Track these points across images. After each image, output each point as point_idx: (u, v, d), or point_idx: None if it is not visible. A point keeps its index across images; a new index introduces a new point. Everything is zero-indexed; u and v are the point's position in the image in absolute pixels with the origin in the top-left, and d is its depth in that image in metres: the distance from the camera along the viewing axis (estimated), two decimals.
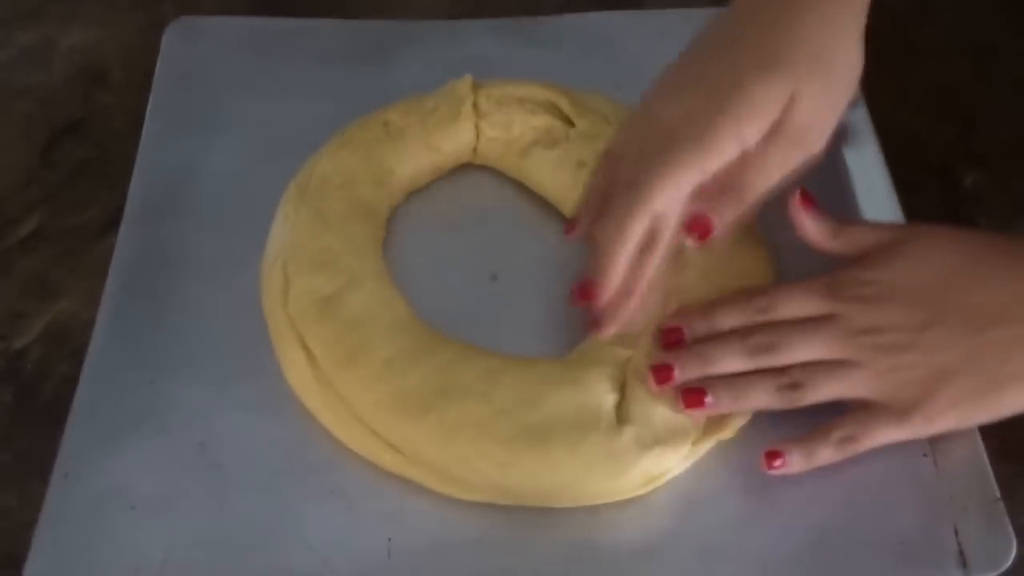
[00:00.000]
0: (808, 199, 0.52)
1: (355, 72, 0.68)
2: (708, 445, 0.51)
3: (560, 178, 0.61)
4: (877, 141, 0.64)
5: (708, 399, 0.50)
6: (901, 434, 0.50)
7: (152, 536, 0.49)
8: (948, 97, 0.69)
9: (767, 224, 0.58)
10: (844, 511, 0.50)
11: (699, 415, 0.51)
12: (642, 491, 0.50)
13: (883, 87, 0.62)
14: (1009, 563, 0.48)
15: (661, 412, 0.50)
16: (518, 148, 0.62)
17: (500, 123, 0.62)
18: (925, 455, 0.52)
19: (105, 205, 0.63)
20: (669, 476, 0.51)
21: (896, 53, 0.72)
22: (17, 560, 0.50)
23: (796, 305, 0.51)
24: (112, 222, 0.61)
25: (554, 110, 0.62)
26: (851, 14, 0.50)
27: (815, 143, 0.49)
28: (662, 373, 0.50)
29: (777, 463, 0.49)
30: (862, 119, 0.65)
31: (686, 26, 0.70)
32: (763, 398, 0.50)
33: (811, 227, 0.53)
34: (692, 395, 0.50)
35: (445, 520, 0.50)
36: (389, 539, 0.49)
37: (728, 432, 0.51)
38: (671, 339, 0.51)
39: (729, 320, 0.51)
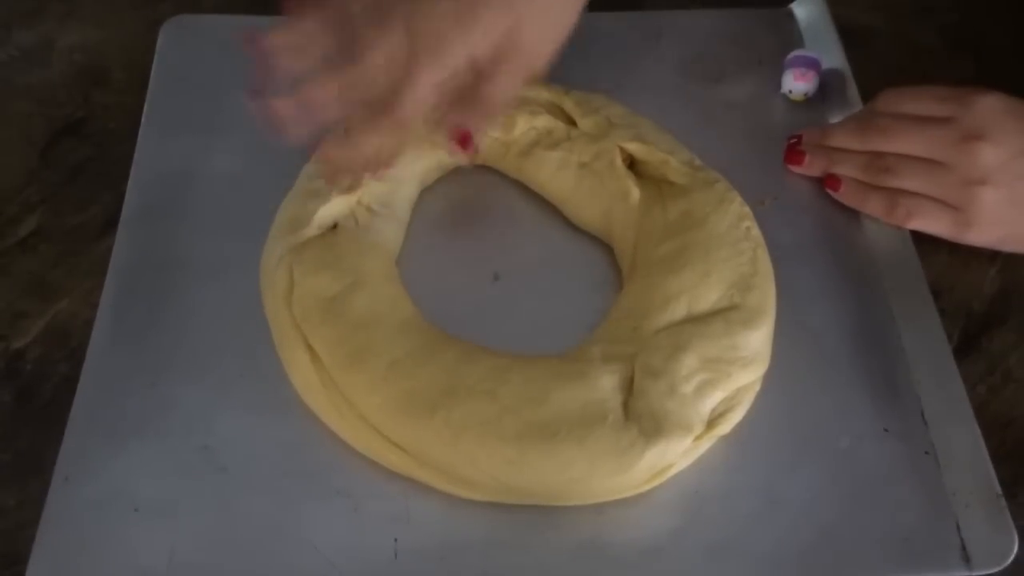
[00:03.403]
0: (792, 158, 0.63)
1: None
2: (710, 441, 0.52)
3: (562, 179, 0.61)
4: None
5: (806, 160, 0.62)
6: (952, 232, 0.58)
7: (156, 539, 0.49)
8: None
9: (767, 223, 0.58)
10: (848, 508, 0.51)
11: (798, 169, 0.63)
12: (646, 487, 0.50)
13: (883, 87, 0.62)
14: (1012, 557, 0.49)
15: (666, 406, 0.50)
16: (519, 149, 0.62)
17: (501, 124, 0.61)
18: (927, 452, 0.52)
19: (105, 205, 0.63)
20: (673, 472, 0.51)
21: (896, 53, 0.72)
22: (17, 560, 0.50)
23: (920, 103, 0.59)
24: (112, 222, 0.61)
25: (555, 111, 0.63)
26: None
27: (537, 60, 0.55)
28: (794, 148, 0.64)
29: (832, 187, 0.61)
30: None
31: (685, 26, 0.71)
32: (852, 168, 0.61)
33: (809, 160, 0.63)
34: (795, 154, 0.62)
35: (451, 520, 0.50)
36: (395, 540, 0.49)
37: (726, 427, 0.52)
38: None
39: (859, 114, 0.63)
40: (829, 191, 0.62)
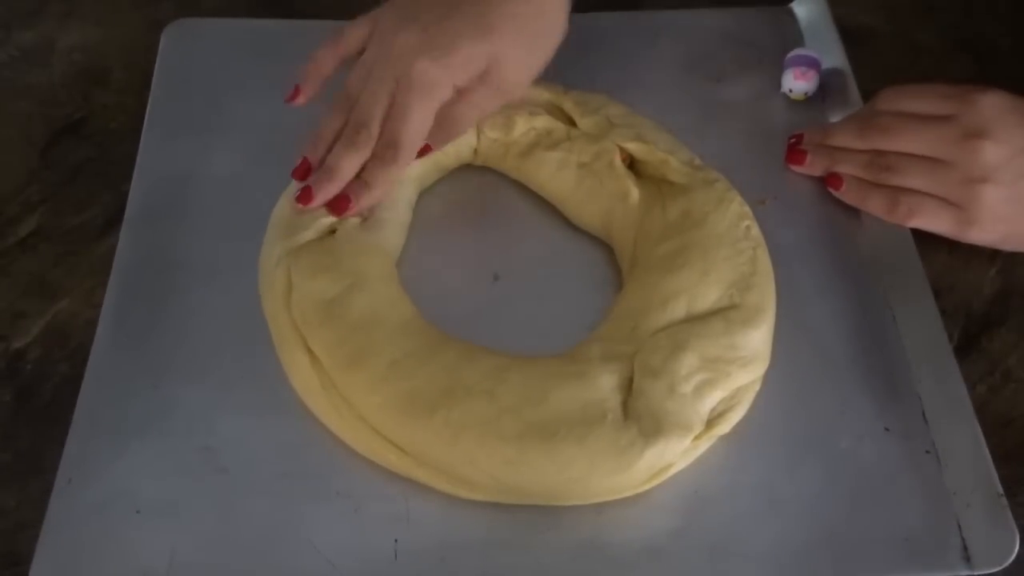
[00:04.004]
0: (794, 158, 0.63)
1: None
2: (710, 441, 0.51)
3: (561, 179, 0.61)
4: None
5: (807, 160, 0.62)
6: (955, 231, 0.58)
7: (157, 540, 0.49)
8: None
9: (767, 223, 0.58)
10: (849, 507, 0.51)
11: (800, 170, 0.63)
12: (646, 487, 0.50)
13: (883, 87, 0.62)
14: (1013, 557, 0.48)
15: (666, 406, 0.50)
16: (519, 150, 0.62)
17: (501, 125, 0.62)
18: (928, 451, 0.52)
19: (105, 205, 0.63)
20: (673, 471, 0.51)
21: (896, 53, 0.72)
22: (17, 560, 0.50)
23: (923, 101, 0.59)
24: (112, 222, 0.61)
25: (555, 111, 0.63)
26: None
27: (514, 92, 0.58)
28: (795, 146, 0.63)
29: (833, 186, 0.61)
30: None
31: (685, 25, 0.71)
32: (852, 167, 0.61)
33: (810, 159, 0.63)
34: (797, 154, 0.63)
35: (451, 521, 0.50)
36: (395, 540, 0.49)
37: (725, 427, 0.51)
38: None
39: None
40: (831, 189, 0.62)
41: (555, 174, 0.61)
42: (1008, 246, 0.59)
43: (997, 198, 0.56)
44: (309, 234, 0.56)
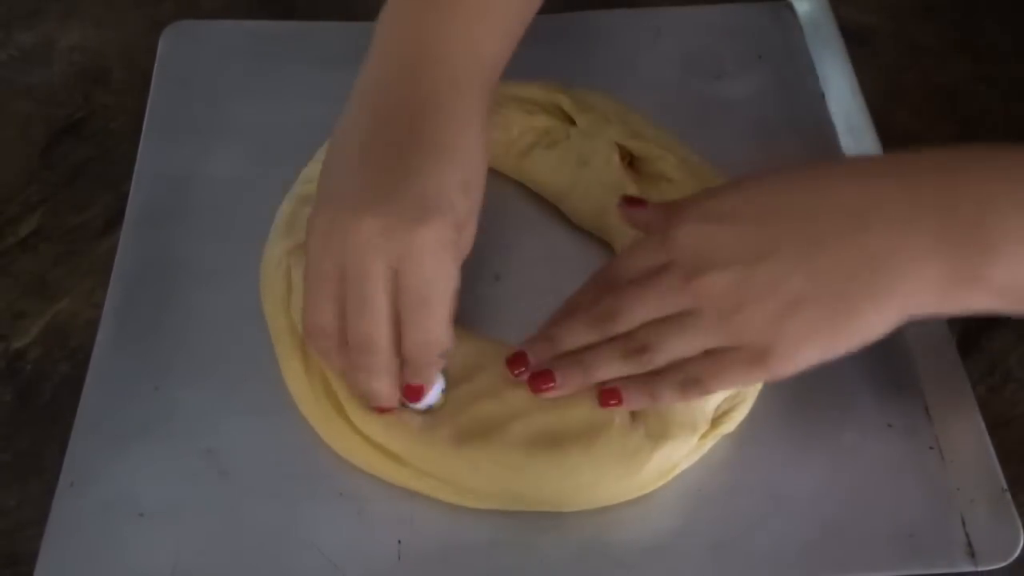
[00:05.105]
0: (631, 202, 0.52)
1: (354, 74, 0.67)
2: (715, 440, 0.51)
3: (560, 177, 0.61)
4: (878, 140, 0.64)
5: (557, 379, 0.49)
6: (759, 376, 0.48)
7: (161, 543, 0.49)
8: (948, 97, 0.69)
9: None
10: (852, 504, 0.50)
11: (551, 395, 0.49)
12: (651, 488, 0.50)
13: (883, 87, 0.62)
14: (1017, 553, 0.48)
15: (672, 407, 0.50)
16: (518, 149, 0.62)
17: (499, 124, 0.61)
18: (931, 447, 0.52)
19: (105, 205, 0.63)
20: (677, 471, 0.51)
21: (896, 53, 0.72)
22: (16, 560, 0.50)
23: (633, 264, 0.49)
24: (112, 222, 0.61)
25: (554, 110, 0.62)
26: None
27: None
28: (515, 362, 0.50)
29: (613, 402, 0.49)
30: (862, 119, 0.65)
31: (683, 22, 0.71)
32: (613, 368, 0.49)
33: (642, 215, 0.52)
34: (539, 378, 0.49)
35: (455, 522, 0.50)
36: (399, 542, 0.49)
37: (730, 426, 0.51)
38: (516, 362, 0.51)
39: (580, 298, 0.51)
40: (612, 407, 0.49)
41: (554, 172, 0.61)
42: (832, 354, 0.47)
43: (765, 317, 0.45)
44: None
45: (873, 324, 0.45)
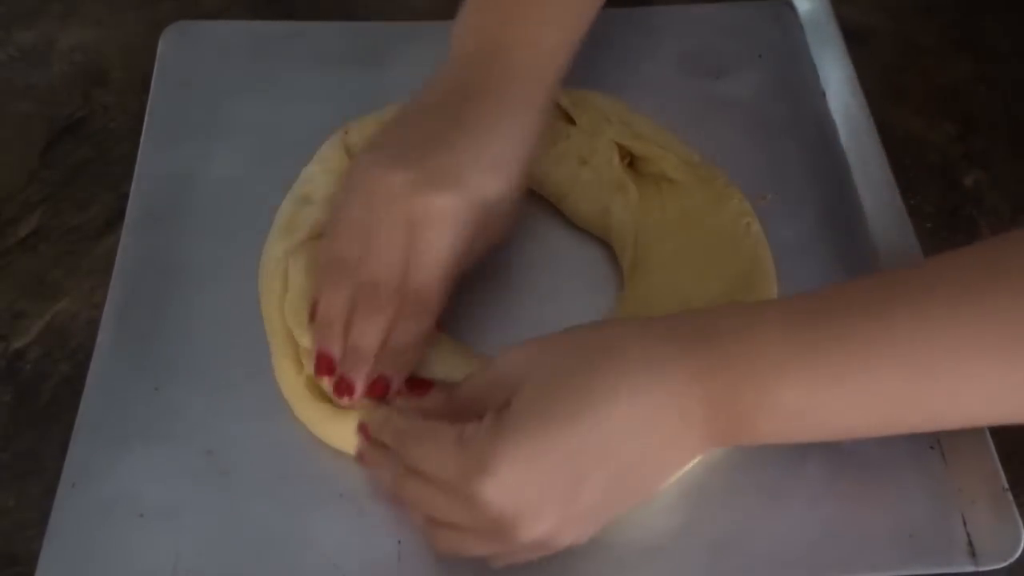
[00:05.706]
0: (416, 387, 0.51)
1: (354, 75, 0.68)
2: None
3: (560, 176, 0.61)
4: (878, 140, 0.64)
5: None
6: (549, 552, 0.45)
7: (161, 544, 0.49)
8: (948, 97, 0.69)
9: (768, 220, 0.58)
10: (853, 504, 0.50)
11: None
12: None
13: (883, 87, 0.62)
14: (1018, 553, 0.48)
15: None
16: None
17: None
18: (932, 447, 0.52)
19: (105, 205, 0.63)
20: (679, 472, 0.50)
21: (896, 53, 0.72)
22: (16, 560, 0.50)
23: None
24: (112, 222, 0.61)
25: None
26: None
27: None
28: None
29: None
30: (862, 118, 0.65)
31: (683, 20, 0.71)
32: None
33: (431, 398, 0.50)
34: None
35: None
36: (399, 542, 0.49)
37: None
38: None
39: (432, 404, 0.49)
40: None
41: (553, 172, 0.61)
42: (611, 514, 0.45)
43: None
44: (305, 234, 0.56)
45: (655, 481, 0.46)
